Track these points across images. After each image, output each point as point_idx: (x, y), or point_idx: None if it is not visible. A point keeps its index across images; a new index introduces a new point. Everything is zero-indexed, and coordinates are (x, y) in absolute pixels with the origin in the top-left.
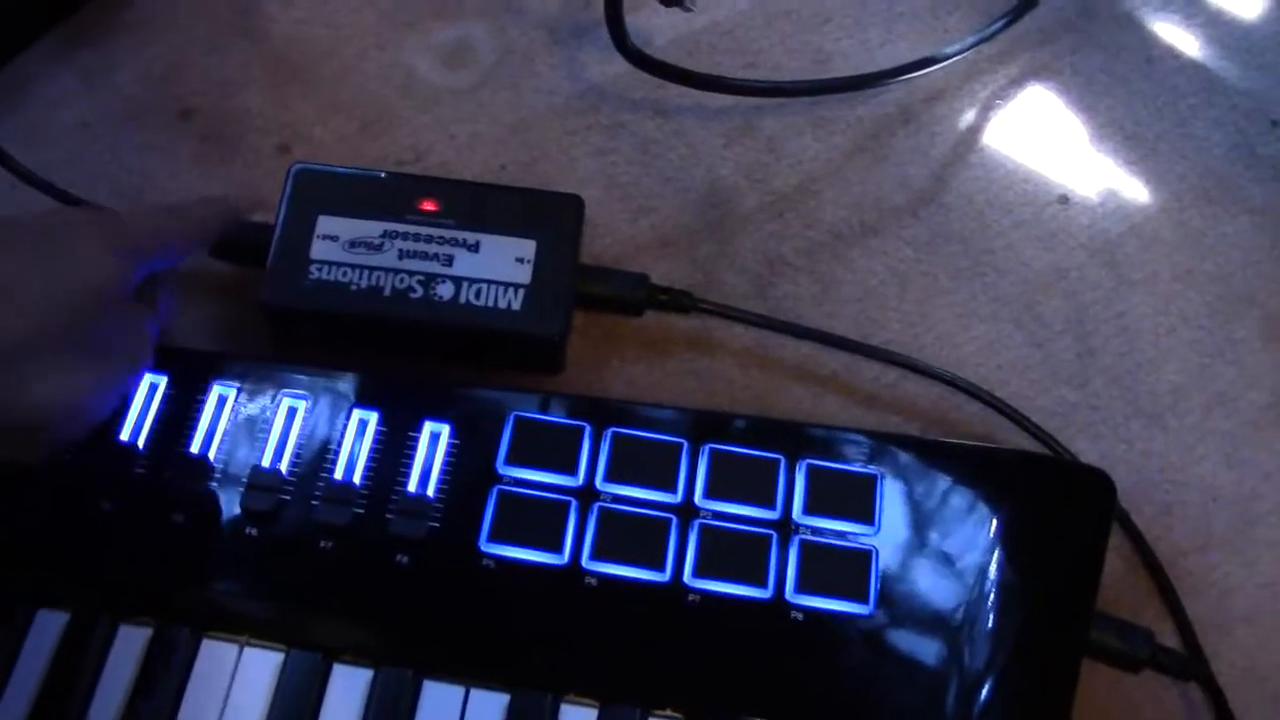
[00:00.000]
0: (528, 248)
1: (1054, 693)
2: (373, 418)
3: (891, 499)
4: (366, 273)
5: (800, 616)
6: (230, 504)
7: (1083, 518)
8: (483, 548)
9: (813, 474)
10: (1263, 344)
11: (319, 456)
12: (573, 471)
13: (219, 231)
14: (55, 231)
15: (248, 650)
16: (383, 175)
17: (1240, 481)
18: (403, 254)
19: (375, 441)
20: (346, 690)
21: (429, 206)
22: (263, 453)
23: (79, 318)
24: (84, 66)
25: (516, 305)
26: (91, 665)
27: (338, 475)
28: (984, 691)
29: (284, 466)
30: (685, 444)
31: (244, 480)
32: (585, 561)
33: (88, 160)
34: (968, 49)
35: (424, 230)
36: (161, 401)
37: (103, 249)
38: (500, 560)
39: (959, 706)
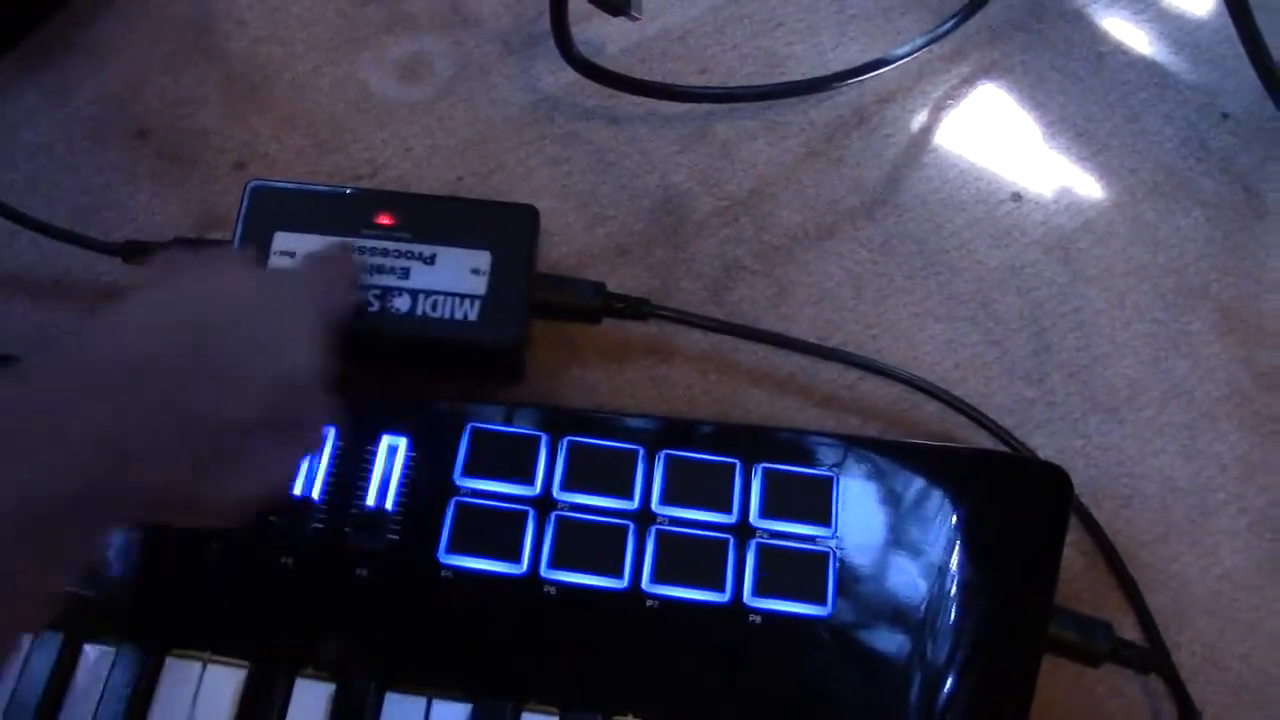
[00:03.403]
0: (483, 259)
1: (1014, 688)
2: (330, 433)
3: (848, 500)
4: None
5: (759, 619)
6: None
7: (1040, 514)
8: (442, 559)
9: (769, 477)
10: (1216, 336)
11: None
12: (529, 481)
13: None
14: (273, 310)
15: (210, 667)
16: (338, 190)
17: (1198, 473)
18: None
19: (333, 456)
20: (309, 704)
21: (384, 220)
22: None
23: (296, 398)
24: (44, 87)
25: (473, 316)
26: (55, 685)
27: (296, 490)
28: (945, 689)
29: None
30: (641, 450)
31: None
32: (543, 570)
33: (48, 180)
34: (918, 49)
35: (380, 244)
36: None
37: (315, 325)
38: (459, 571)
39: (920, 704)
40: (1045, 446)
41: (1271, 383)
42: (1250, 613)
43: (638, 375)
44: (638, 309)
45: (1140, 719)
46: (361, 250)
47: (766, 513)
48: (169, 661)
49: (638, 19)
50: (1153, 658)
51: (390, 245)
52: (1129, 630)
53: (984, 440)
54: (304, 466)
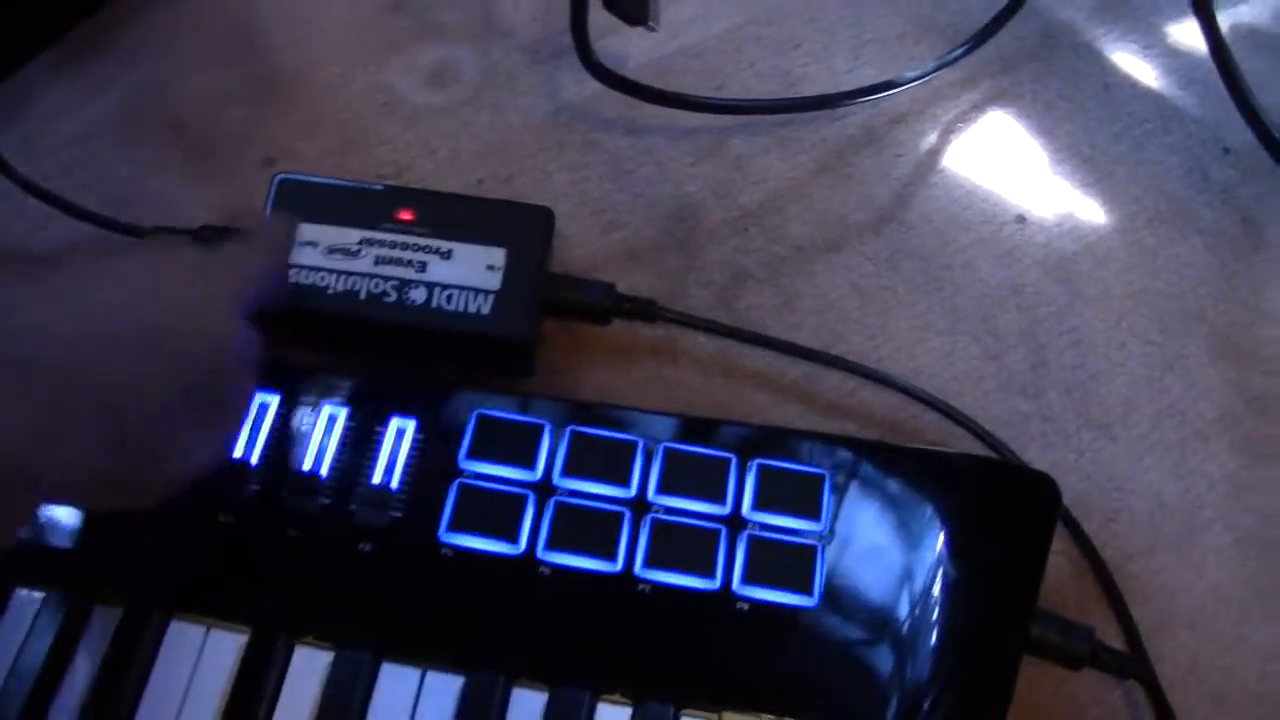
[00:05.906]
0: (498, 255)
1: (994, 686)
2: (342, 413)
3: (839, 497)
4: (343, 277)
5: (746, 607)
6: (203, 494)
7: (1027, 518)
8: (442, 537)
9: (763, 472)
10: (1210, 360)
11: (289, 449)
12: (531, 466)
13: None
14: (199, 288)
15: (213, 632)
16: (361, 186)
17: (1187, 490)
18: (378, 260)
19: (344, 435)
20: (307, 670)
21: (405, 216)
22: (234, 445)
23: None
24: (80, 82)
25: (486, 310)
26: (60, 646)
27: (306, 466)
28: (924, 682)
29: (254, 458)
30: (640, 442)
31: (217, 472)
32: (540, 552)
33: (82, 170)
34: (929, 73)
35: (399, 238)
36: None
37: (232, 297)
38: (458, 550)
39: (899, 697)
40: (1038, 459)
41: (1262, 406)
42: (1233, 628)
43: (644, 375)
44: (646, 310)
45: None
46: (381, 243)
47: (759, 505)
48: (173, 624)
49: (654, 30)
50: (1132, 664)
51: (409, 239)
52: (1113, 640)
53: (979, 451)
54: (314, 444)
